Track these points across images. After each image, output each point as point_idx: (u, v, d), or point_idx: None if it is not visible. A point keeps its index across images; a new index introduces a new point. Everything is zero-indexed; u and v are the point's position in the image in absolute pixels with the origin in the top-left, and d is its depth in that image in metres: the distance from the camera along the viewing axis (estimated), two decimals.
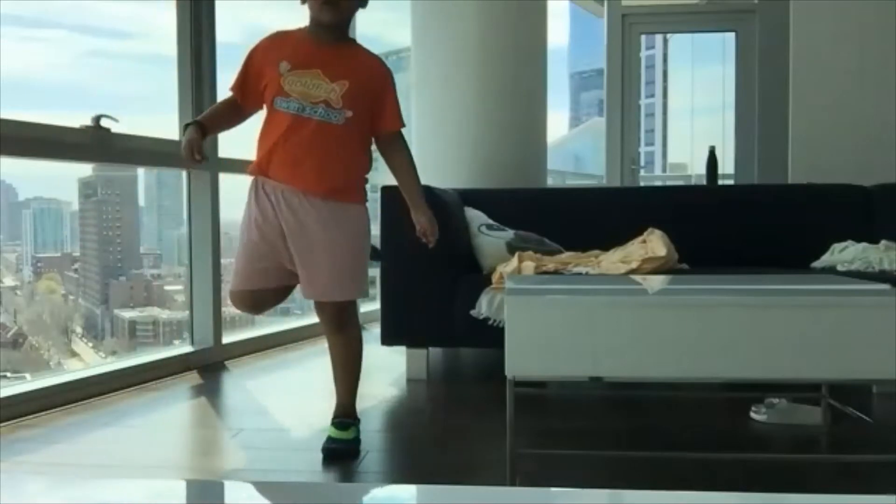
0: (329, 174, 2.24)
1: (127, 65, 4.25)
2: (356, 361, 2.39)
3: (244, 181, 2.38)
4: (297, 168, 2.23)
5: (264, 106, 2.29)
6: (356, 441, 2.33)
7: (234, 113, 2.36)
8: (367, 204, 2.38)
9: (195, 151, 2.19)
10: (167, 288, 4.60)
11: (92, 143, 3.08)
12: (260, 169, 2.28)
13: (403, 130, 2.40)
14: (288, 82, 2.21)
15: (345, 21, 2.30)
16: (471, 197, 3.67)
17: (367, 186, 2.39)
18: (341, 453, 2.28)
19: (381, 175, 6.13)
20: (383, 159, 2.40)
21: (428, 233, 2.36)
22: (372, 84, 2.29)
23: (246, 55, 2.32)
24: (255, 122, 2.38)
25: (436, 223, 2.37)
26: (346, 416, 2.35)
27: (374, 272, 3.30)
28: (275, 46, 2.29)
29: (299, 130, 2.21)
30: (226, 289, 3.76)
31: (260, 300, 2.37)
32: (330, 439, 2.30)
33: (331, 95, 2.21)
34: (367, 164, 2.38)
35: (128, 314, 4.27)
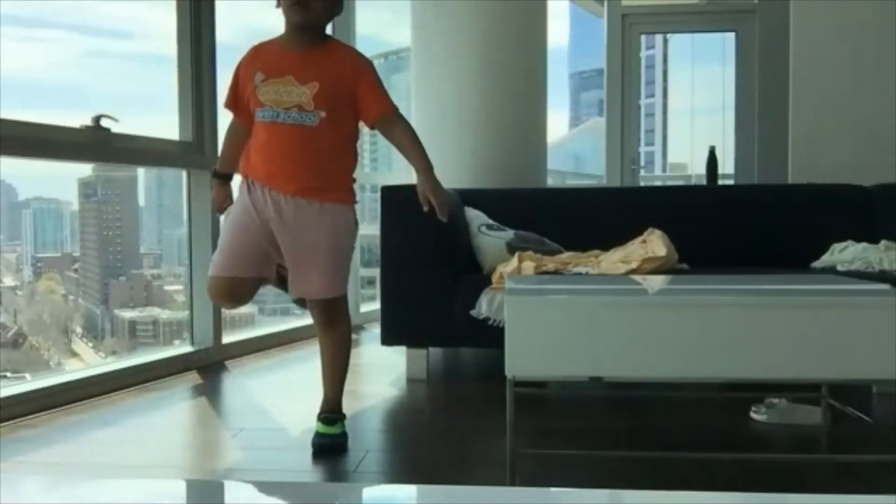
0: (307, 175, 2.28)
1: (127, 65, 4.25)
2: (344, 358, 2.43)
3: None
4: (279, 174, 2.28)
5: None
6: (343, 435, 2.37)
7: (239, 136, 2.40)
8: (361, 203, 2.40)
9: (224, 206, 2.44)
10: (167, 288, 4.60)
11: (92, 143, 3.08)
12: (250, 171, 2.34)
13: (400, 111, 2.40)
14: (262, 93, 2.27)
15: (315, 22, 2.31)
16: (471, 197, 3.67)
17: (370, 186, 2.41)
18: (330, 447, 2.32)
19: (381, 176, 6.14)
20: (390, 142, 2.41)
21: (434, 201, 2.30)
22: (344, 79, 2.29)
23: (234, 71, 2.38)
24: None
25: (442, 192, 2.33)
26: (332, 411, 2.39)
27: (374, 272, 3.30)
28: (252, 60, 2.35)
29: (277, 136, 2.27)
30: None
31: (236, 289, 2.38)
32: (318, 434, 2.35)
33: (302, 99, 2.25)
34: (351, 163, 2.40)
35: (128, 314, 4.27)
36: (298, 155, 2.27)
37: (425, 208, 2.32)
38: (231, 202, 2.42)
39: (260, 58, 2.34)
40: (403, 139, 2.36)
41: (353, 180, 2.41)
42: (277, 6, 2.31)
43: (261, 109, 2.27)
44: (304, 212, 2.28)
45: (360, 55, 2.38)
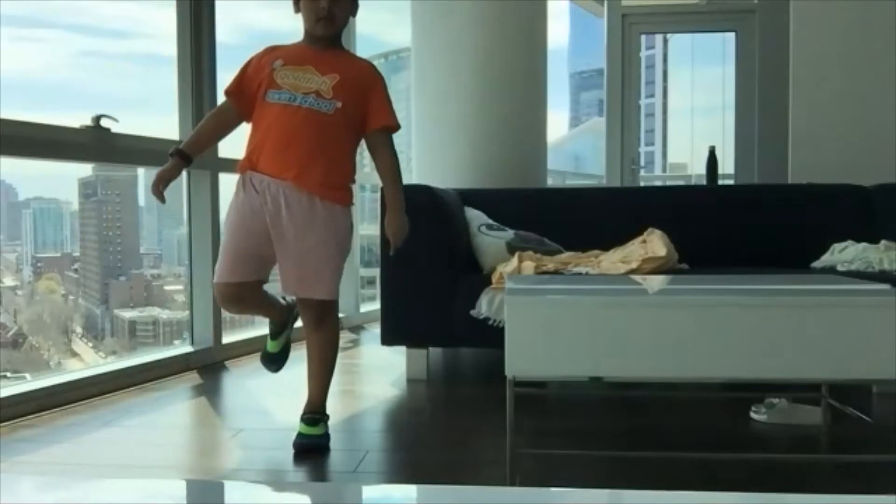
0: (313, 163, 2.27)
1: (126, 65, 4.25)
2: (332, 360, 2.44)
3: None
4: (285, 154, 2.26)
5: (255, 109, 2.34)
6: (326, 437, 2.38)
7: (224, 123, 2.40)
8: (361, 203, 2.41)
9: (160, 189, 2.28)
10: (167, 288, 4.60)
11: (92, 143, 3.08)
12: (249, 162, 2.32)
13: (394, 136, 2.42)
14: (280, 76, 2.28)
15: (339, 33, 2.36)
16: (471, 197, 3.67)
17: (370, 186, 2.42)
18: (311, 447, 2.33)
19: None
20: (371, 158, 2.43)
21: (394, 238, 2.40)
22: (362, 81, 2.33)
23: (244, 63, 2.38)
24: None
25: (406, 231, 2.41)
26: (315, 411, 2.40)
27: (374, 272, 3.30)
28: (270, 53, 2.37)
29: (288, 117, 2.26)
30: None
31: (243, 294, 2.39)
32: (300, 435, 2.36)
33: (321, 87, 2.27)
34: (353, 167, 2.42)
35: (128, 314, 4.27)
36: (307, 139, 2.26)
37: (396, 242, 2.40)
38: (163, 198, 2.31)
39: (278, 52, 2.35)
40: (389, 166, 2.39)
41: (353, 181, 2.42)
42: (297, 12, 2.33)
43: (276, 91, 2.27)
44: (308, 211, 2.27)
45: (376, 69, 2.42)
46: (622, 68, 6.47)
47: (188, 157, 2.35)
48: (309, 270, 2.29)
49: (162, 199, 2.30)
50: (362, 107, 2.32)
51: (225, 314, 3.69)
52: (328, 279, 2.32)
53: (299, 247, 2.28)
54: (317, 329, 2.39)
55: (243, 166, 2.33)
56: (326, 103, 2.26)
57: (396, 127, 2.38)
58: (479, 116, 4.38)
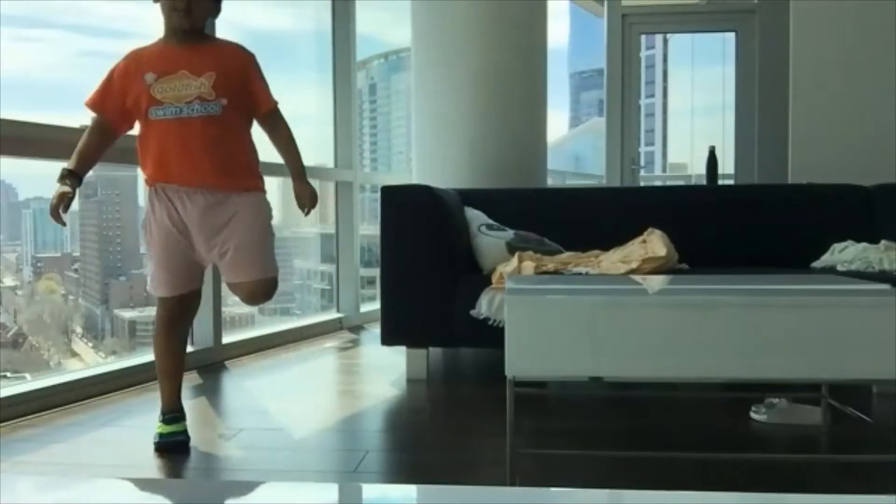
0: (221, 163, 2.31)
1: None
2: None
3: None
4: (191, 164, 2.29)
5: (136, 123, 2.34)
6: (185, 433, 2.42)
7: (105, 137, 2.36)
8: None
9: (60, 212, 2.22)
10: None
11: None
12: (157, 175, 2.32)
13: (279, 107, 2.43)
14: (158, 91, 2.27)
15: (198, 25, 2.35)
16: (471, 197, 3.67)
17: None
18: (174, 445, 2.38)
19: (381, 176, 6.13)
20: (268, 138, 2.45)
21: (306, 203, 2.42)
22: (238, 71, 2.35)
23: (105, 75, 2.34)
24: None
25: (316, 197, 2.44)
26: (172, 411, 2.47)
27: (374, 272, 3.30)
28: (134, 63, 2.33)
29: (187, 131, 2.27)
30: (226, 288, 3.76)
31: (188, 304, 2.44)
32: (160, 435, 2.41)
33: (202, 90, 2.27)
34: (255, 150, 2.45)
35: (128, 314, 4.26)
36: (208, 145, 2.29)
37: (304, 210, 2.43)
38: (70, 200, 2.26)
39: (144, 59, 2.32)
40: (283, 139, 2.42)
41: (259, 165, 2.45)
42: (155, 1, 2.33)
43: (160, 108, 2.26)
44: (223, 206, 2.31)
45: (245, 48, 2.41)
46: (622, 68, 6.47)
47: (79, 177, 2.32)
48: (246, 257, 2.34)
49: (63, 222, 2.23)
50: (245, 93, 2.34)
51: (225, 314, 3.69)
52: (268, 259, 2.40)
53: (231, 238, 2.32)
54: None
55: (152, 179, 2.34)
56: (212, 105, 2.27)
57: (275, 103, 2.40)
58: (479, 116, 4.38)
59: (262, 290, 2.41)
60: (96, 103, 2.34)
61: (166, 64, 2.28)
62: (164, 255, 2.35)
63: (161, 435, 2.38)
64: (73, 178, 2.29)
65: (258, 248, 2.37)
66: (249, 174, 2.39)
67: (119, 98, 2.31)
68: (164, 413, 2.44)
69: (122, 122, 2.35)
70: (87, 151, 2.35)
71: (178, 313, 2.44)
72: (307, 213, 2.46)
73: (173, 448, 2.35)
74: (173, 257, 2.35)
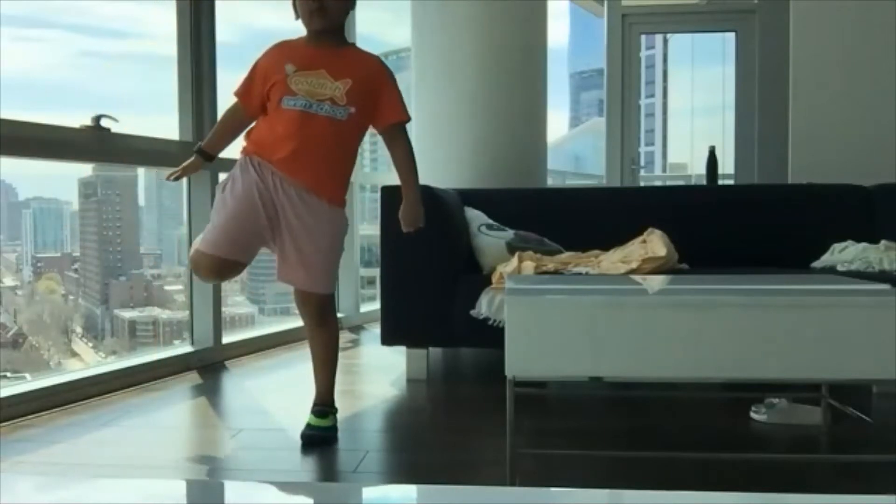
0: (330, 171, 2.36)
1: (126, 65, 4.25)
2: (335, 355, 2.51)
3: None
4: (302, 159, 2.30)
5: (267, 108, 2.37)
6: (333, 429, 2.45)
7: (238, 122, 2.45)
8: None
9: (177, 176, 2.46)
10: (167, 288, 4.60)
11: (92, 143, 3.08)
12: (259, 149, 2.34)
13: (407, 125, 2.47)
14: (294, 82, 2.30)
15: (337, 25, 2.37)
16: (471, 197, 3.67)
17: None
18: (319, 440, 2.39)
19: (381, 176, 6.14)
20: (389, 151, 2.48)
21: (407, 224, 2.46)
22: (372, 81, 2.37)
23: (252, 64, 2.41)
24: None
25: (422, 222, 2.47)
26: (324, 403, 2.47)
27: (374, 272, 3.30)
28: (279, 52, 2.39)
29: (310, 126, 2.30)
30: (226, 288, 3.77)
31: (226, 269, 2.41)
32: (308, 426, 2.42)
33: (335, 93, 2.30)
34: (354, 166, 2.49)
35: (128, 314, 4.27)
36: (324, 147, 2.32)
37: (408, 229, 2.46)
38: (182, 175, 2.48)
39: (288, 51, 2.38)
40: (405, 158, 2.45)
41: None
42: (297, 18, 2.36)
43: (291, 98, 2.30)
44: (318, 212, 2.33)
45: (383, 62, 2.45)
46: (622, 68, 6.47)
47: (210, 155, 2.48)
48: (315, 268, 2.37)
49: (174, 179, 2.45)
50: (373, 105, 2.36)
51: (225, 314, 3.69)
52: (329, 276, 2.43)
53: (308, 246, 2.34)
54: (319, 325, 2.47)
55: (250, 150, 2.36)
56: (341, 110, 2.30)
57: (409, 119, 2.45)
58: (479, 116, 4.38)
59: (316, 303, 2.43)
60: (242, 94, 2.41)
61: (308, 60, 2.32)
62: (233, 224, 2.32)
63: (308, 426, 2.43)
64: (203, 154, 2.47)
65: (325, 264, 2.38)
66: (342, 186, 2.41)
67: (261, 86, 2.35)
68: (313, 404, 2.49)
69: (257, 109, 2.39)
70: (222, 132, 2.48)
71: (210, 270, 2.39)
72: (413, 233, 2.49)
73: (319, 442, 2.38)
74: (242, 227, 2.33)
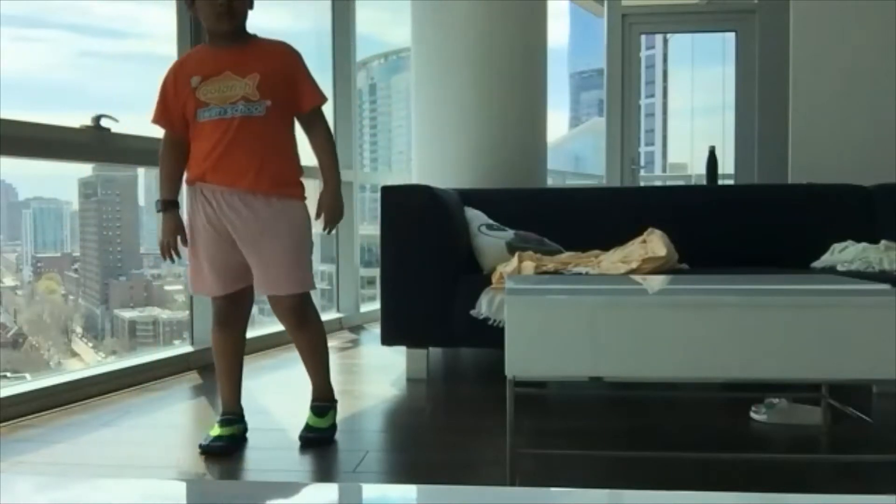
0: (263, 165, 2.29)
1: (126, 65, 4.24)
2: (324, 351, 2.49)
3: None
4: (231, 164, 2.27)
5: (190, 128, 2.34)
6: (332, 428, 2.44)
7: (178, 153, 2.37)
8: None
9: (175, 243, 2.35)
10: (167, 288, 4.60)
11: (92, 143, 3.08)
12: (197, 175, 2.32)
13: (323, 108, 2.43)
14: (203, 92, 2.27)
15: (243, 24, 2.34)
16: (471, 197, 3.67)
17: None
18: (317, 442, 2.38)
19: (381, 175, 6.14)
20: (307, 137, 2.42)
21: (326, 217, 2.37)
22: (283, 69, 2.33)
23: (160, 88, 2.36)
24: None
25: (340, 211, 2.40)
26: (322, 398, 2.46)
27: (374, 272, 3.30)
28: (181, 68, 2.36)
29: (229, 130, 2.26)
30: None
31: (239, 297, 2.40)
32: (307, 427, 2.41)
33: (246, 90, 2.26)
34: (298, 157, 2.42)
35: (128, 314, 4.27)
36: (250, 145, 2.27)
37: (325, 229, 2.38)
38: (183, 230, 2.37)
39: (190, 64, 2.34)
40: (325, 142, 2.39)
41: (302, 174, 2.41)
42: (190, 10, 2.34)
43: (205, 109, 2.27)
44: (259, 212, 2.29)
45: (290, 46, 2.39)
46: (622, 68, 6.47)
47: (176, 202, 2.39)
48: (277, 269, 2.32)
49: (178, 255, 2.36)
50: (290, 92, 2.32)
51: None
52: (297, 273, 2.34)
53: (264, 249, 2.30)
54: (298, 328, 2.43)
55: (192, 178, 2.34)
56: (256, 105, 2.26)
57: (325, 100, 2.39)
58: (479, 116, 4.38)
59: (288, 306, 2.36)
60: (160, 119, 2.36)
61: (211, 66, 2.28)
62: (208, 256, 2.33)
63: (208, 437, 2.37)
64: (173, 207, 2.37)
65: (287, 262, 2.32)
66: (289, 180, 2.34)
67: (176, 108, 2.32)
68: (220, 414, 2.46)
69: (184, 131, 2.34)
70: (170, 173, 2.38)
71: (230, 312, 2.41)
72: (328, 231, 2.40)
73: (217, 452, 2.31)
74: (216, 257, 2.33)
